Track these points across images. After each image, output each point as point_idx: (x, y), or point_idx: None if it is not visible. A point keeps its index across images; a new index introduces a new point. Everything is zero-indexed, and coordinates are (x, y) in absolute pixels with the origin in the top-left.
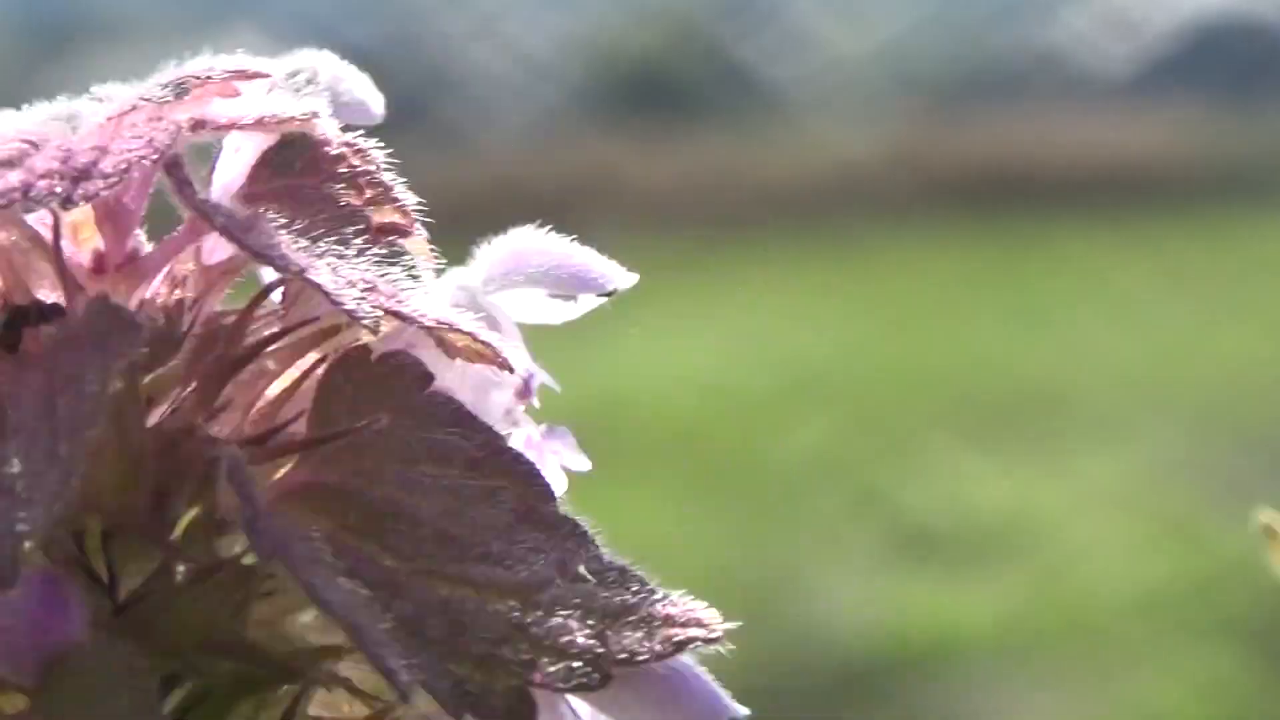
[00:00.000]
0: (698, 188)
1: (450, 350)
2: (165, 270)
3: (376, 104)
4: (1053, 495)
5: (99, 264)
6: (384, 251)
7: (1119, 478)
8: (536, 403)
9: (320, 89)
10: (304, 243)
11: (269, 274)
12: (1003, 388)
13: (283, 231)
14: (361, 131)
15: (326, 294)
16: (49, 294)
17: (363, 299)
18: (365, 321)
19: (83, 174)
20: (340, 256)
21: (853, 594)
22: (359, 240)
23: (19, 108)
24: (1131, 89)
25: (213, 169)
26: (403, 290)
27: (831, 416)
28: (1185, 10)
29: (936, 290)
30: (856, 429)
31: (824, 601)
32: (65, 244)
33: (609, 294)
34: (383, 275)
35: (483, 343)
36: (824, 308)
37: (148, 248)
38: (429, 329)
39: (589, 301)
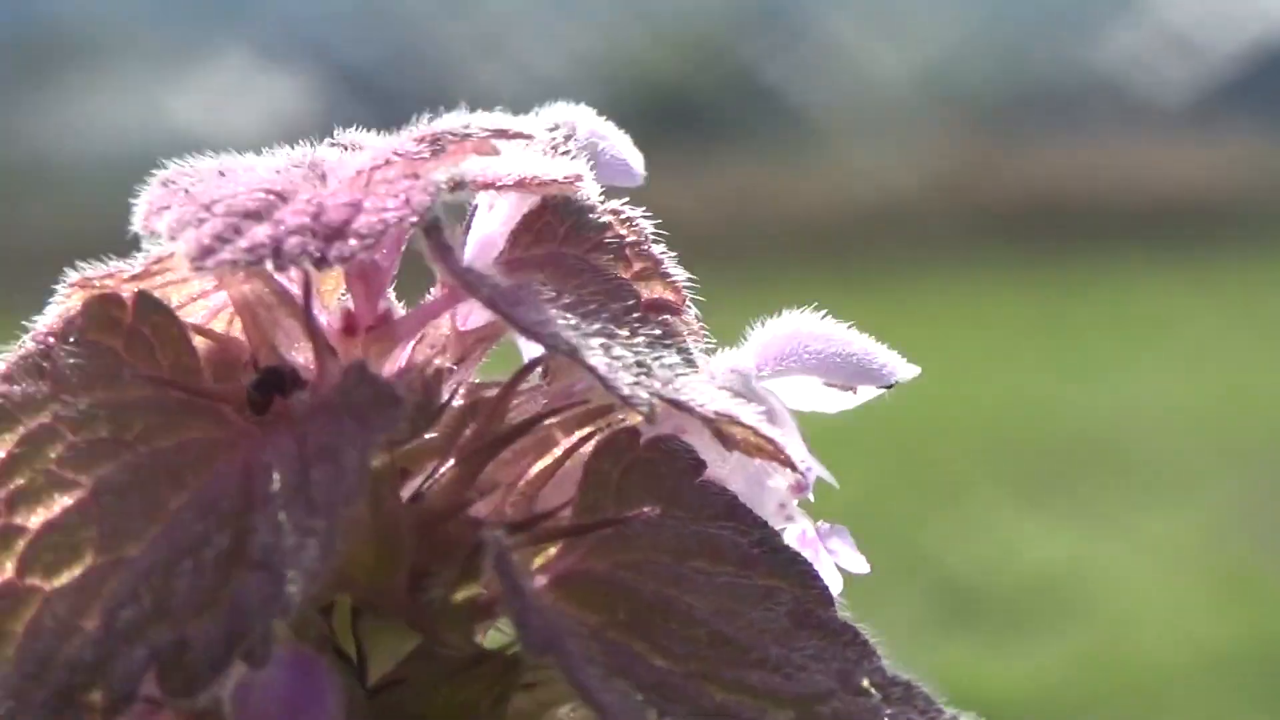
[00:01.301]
0: (723, 218)
1: (728, 442)
2: (420, 334)
3: (638, 164)
4: (1107, 552)
5: (349, 325)
6: (657, 332)
7: (1178, 533)
8: (811, 497)
9: (579, 147)
10: (573, 319)
11: (525, 344)
12: (1053, 436)
13: (551, 305)
14: (626, 199)
15: (600, 378)
16: (295, 354)
17: (638, 384)
18: (642, 410)
19: (337, 233)
20: (612, 335)
21: (893, 657)
22: (630, 318)
23: (6, 129)
24: (1192, 115)
25: (467, 227)
26: (678, 375)
27: (869, 468)
28: (1250, 32)
29: (982, 330)
30: (896, 481)
31: None
32: (313, 301)
33: (890, 386)
34: (656, 358)
35: (765, 437)
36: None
37: (399, 310)
38: (708, 420)
39: (868, 393)
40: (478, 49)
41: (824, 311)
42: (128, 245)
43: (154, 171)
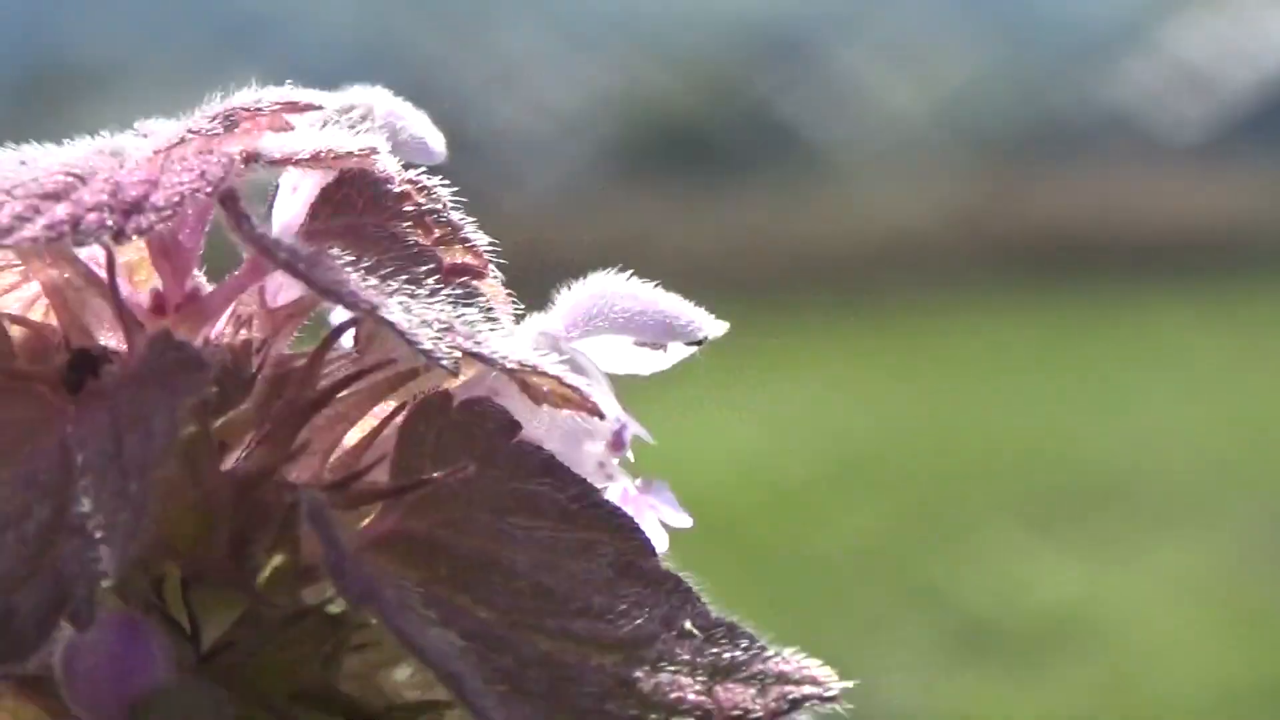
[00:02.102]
0: (737, 254)
1: (535, 395)
2: (228, 311)
3: (436, 142)
4: (1121, 588)
5: (158, 304)
6: (458, 293)
7: (1192, 567)
8: (630, 455)
9: (377, 126)
10: (373, 281)
11: (338, 319)
12: (1067, 471)
13: (350, 269)
14: (423, 169)
15: (400, 333)
16: (107, 334)
17: (439, 339)
18: (444, 363)
19: (134, 207)
20: (412, 296)
21: (904, 695)
22: (431, 280)
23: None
24: (1207, 149)
25: (269, 208)
26: (481, 332)
27: (881, 503)
28: (1264, 67)
29: (996, 365)
30: (909, 516)
31: (873, 703)
32: (121, 284)
33: (698, 342)
34: (459, 316)
35: (569, 387)
36: (874, 384)
37: (208, 288)
38: (511, 372)
39: (678, 351)
40: (492, 84)
41: (842, 346)
42: None
43: None
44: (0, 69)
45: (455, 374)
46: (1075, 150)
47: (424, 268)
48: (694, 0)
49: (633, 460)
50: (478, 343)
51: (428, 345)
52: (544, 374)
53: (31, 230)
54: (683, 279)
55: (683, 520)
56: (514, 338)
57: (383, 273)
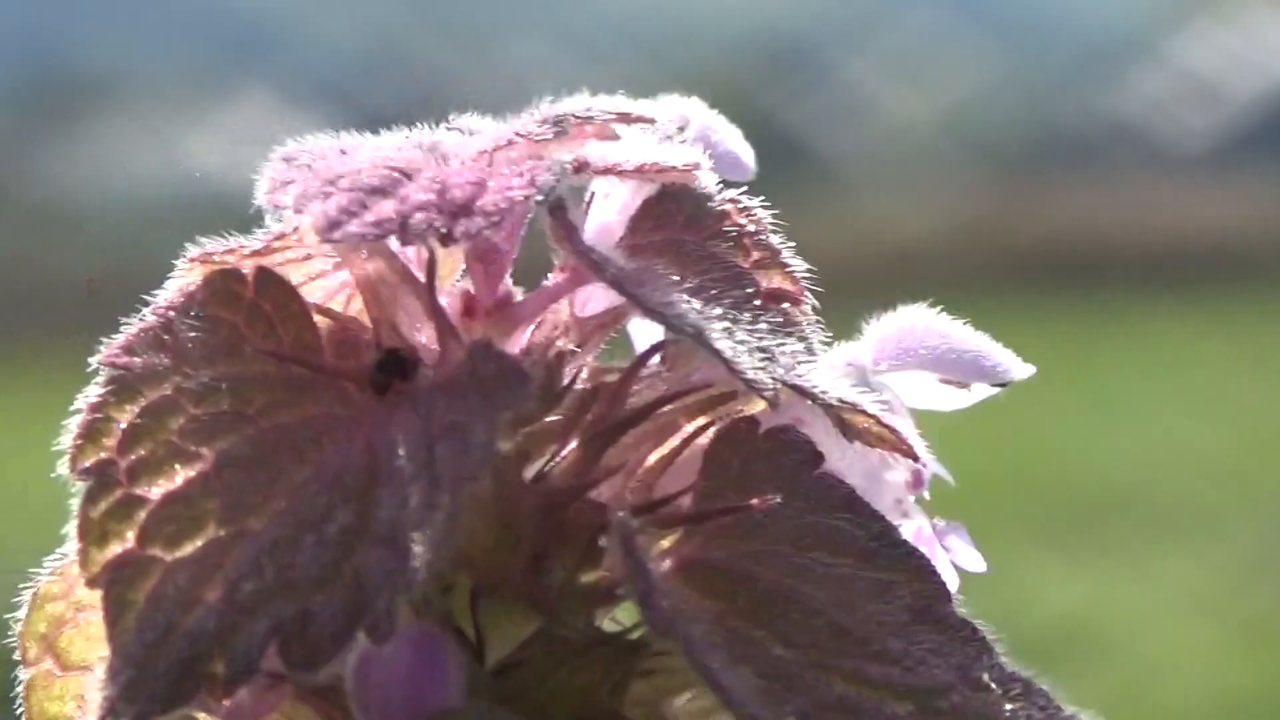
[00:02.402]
0: None
1: (849, 432)
2: (540, 318)
3: (749, 157)
4: (1128, 598)
5: (469, 306)
6: (777, 320)
7: (1200, 579)
8: (927, 494)
9: (692, 138)
10: (697, 303)
11: (640, 332)
12: (1074, 482)
13: (675, 289)
14: (744, 189)
15: (725, 361)
16: (418, 334)
17: (761, 369)
18: (767, 394)
19: (462, 210)
20: (734, 321)
21: None
22: (751, 305)
23: (26, 170)
24: (1213, 160)
25: (584, 214)
26: (800, 363)
27: None
28: (1270, 78)
29: None
30: None
31: None
32: None
33: (1004, 385)
34: (779, 345)
35: (887, 427)
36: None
37: (518, 292)
38: (830, 407)
39: (982, 391)
40: (500, 94)
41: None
42: (154, 284)
43: (164, 211)
44: (5, 77)
45: (776, 406)
46: (1082, 161)
47: (744, 291)
48: (702, 12)
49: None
50: (799, 375)
51: (751, 375)
52: (863, 412)
53: (359, 226)
54: None
55: (978, 563)
56: (824, 367)
57: (705, 296)
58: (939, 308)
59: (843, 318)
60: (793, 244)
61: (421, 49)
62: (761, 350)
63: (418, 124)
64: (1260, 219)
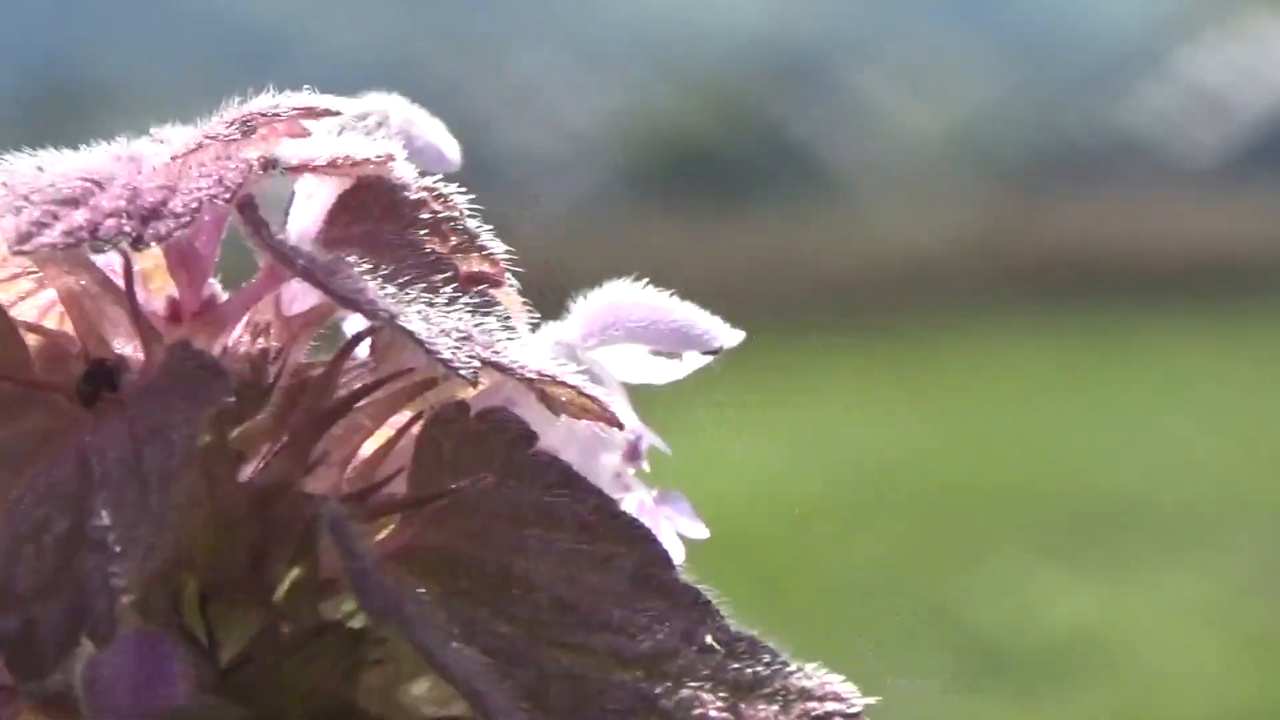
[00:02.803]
0: (751, 277)
1: (553, 405)
2: (245, 319)
3: (452, 150)
4: (1135, 610)
5: (175, 312)
6: (475, 301)
7: (1206, 591)
8: (646, 466)
9: (393, 133)
10: (391, 290)
11: (353, 329)
12: (1081, 494)
13: (368, 278)
14: (440, 176)
15: (419, 342)
16: (124, 343)
17: (458, 349)
18: (463, 373)
19: (152, 213)
20: (430, 305)
21: (919, 716)
22: (448, 289)
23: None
24: (1220, 174)
25: (286, 215)
26: (499, 341)
27: (894, 526)
28: (1276, 93)
29: (1011, 389)
30: (921, 539)
31: None
32: (137, 291)
33: (714, 351)
34: (477, 325)
35: (588, 396)
36: (889, 408)
37: (224, 296)
38: (530, 381)
39: (694, 360)
40: (507, 105)
41: (856, 369)
42: None
43: None
44: (15, 83)
45: (474, 384)
46: (1090, 174)
47: (441, 276)
48: (709, 23)
49: (649, 471)
50: (496, 352)
51: (446, 354)
52: (563, 383)
53: (49, 236)
54: (697, 301)
55: (699, 531)
56: (531, 347)
57: (400, 281)
58: (947, 320)
59: (850, 328)
60: (800, 254)
61: (428, 58)
62: (459, 330)
63: None
64: (1268, 233)
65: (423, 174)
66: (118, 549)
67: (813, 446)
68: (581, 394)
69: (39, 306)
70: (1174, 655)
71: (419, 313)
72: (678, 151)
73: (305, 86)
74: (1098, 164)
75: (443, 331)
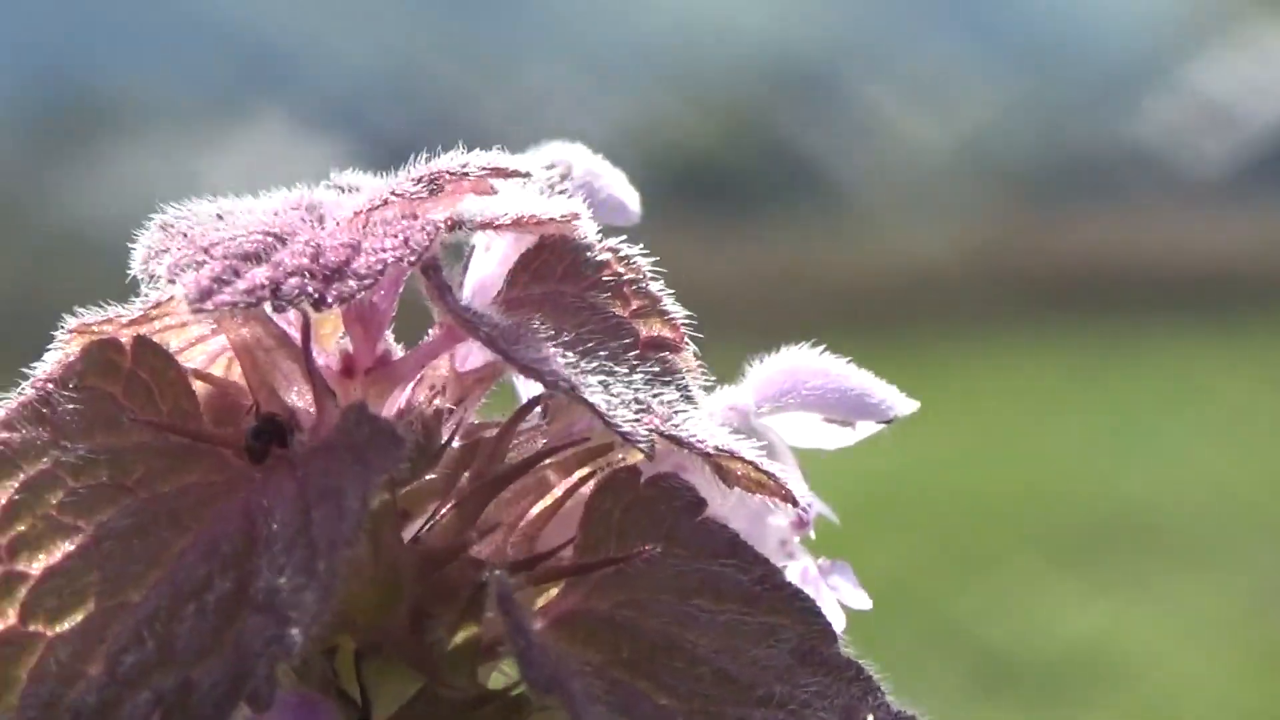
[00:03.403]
0: (759, 288)
1: (728, 479)
2: (419, 376)
3: (634, 203)
4: (1145, 624)
5: (348, 367)
6: (655, 369)
7: (1216, 605)
8: (813, 534)
9: (575, 185)
10: (572, 357)
11: (524, 385)
12: (1092, 508)
13: (550, 344)
14: (624, 237)
15: (600, 415)
16: (296, 397)
17: (637, 421)
18: (642, 446)
19: (336, 273)
20: (611, 373)
21: None
22: (629, 355)
23: (42, 195)
24: (1229, 187)
25: (464, 268)
26: (677, 412)
27: (907, 538)
28: None
29: (1021, 403)
30: (934, 552)
31: None
32: (311, 343)
33: (889, 421)
34: (655, 395)
35: (765, 473)
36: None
37: (397, 351)
38: (707, 455)
39: (867, 429)
40: (515, 119)
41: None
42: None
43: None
44: (21, 100)
45: (652, 457)
46: (1098, 186)
47: (622, 341)
48: (717, 36)
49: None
50: (675, 425)
51: (627, 428)
52: (741, 459)
53: (231, 294)
54: (704, 314)
55: (863, 602)
56: (704, 412)
57: (582, 348)
58: (956, 333)
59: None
60: (808, 266)
61: (437, 72)
62: (638, 401)
63: (433, 147)
64: (1275, 245)
65: (604, 229)
66: (283, 614)
67: (820, 460)
68: (758, 470)
69: (209, 352)
70: (1183, 669)
71: (600, 382)
72: (686, 164)
73: (316, 101)
74: (1105, 176)
75: (623, 403)
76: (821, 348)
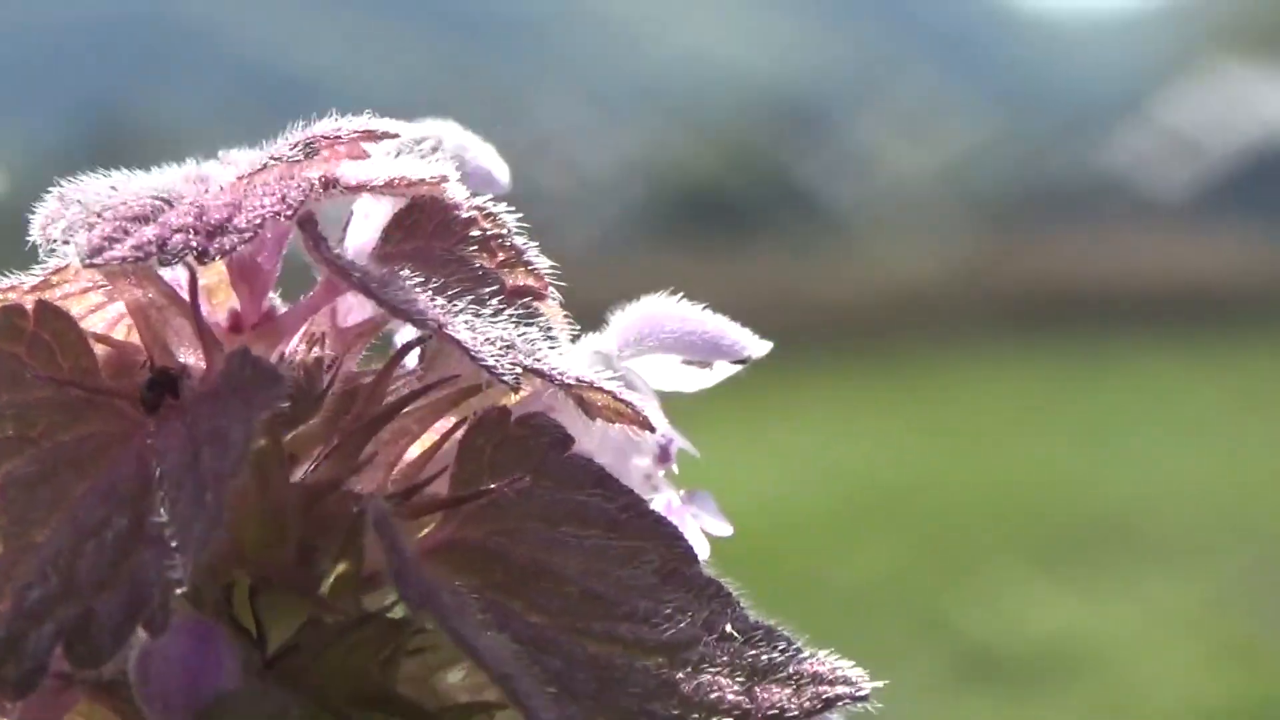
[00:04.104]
0: (757, 306)
1: (590, 410)
2: (302, 330)
3: (502, 173)
4: (1116, 619)
5: (235, 323)
6: (519, 313)
7: (1184, 602)
8: (675, 468)
9: (446, 156)
10: (440, 301)
11: (404, 339)
12: (1067, 511)
13: (419, 290)
14: (490, 197)
15: (465, 350)
16: (187, 353)
17: (502, 356)
18: (506, 379)
19: (217, 229)
20: (477, 315)
21: (915, 717)
22: (494, 301)
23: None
24: (1193, 211)
25: (343, 233)
26: (540, 350)
27: (893, 540)
28: (1245, 136)
29: (1001, 412)
30: (918, 552)
31: None
32: (201, 304)
33: (743, 361)
34: (520, 335)
35: (622, 401)
36: (887, 429)
37: (283, 308)
38: (568, 387)
39: (724, 369)
40: (527, 152)
41: (855, 392)
42: None
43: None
44: (66, 129)
45: (516, 389)
46: (1072, 211)
47: (488, 289)
48: (718, 74)
49: (676, 473)
50: (538, 359)
51: (491, 362)
52: (599, 390)
53: (120, 250)
54: None
55: (724, 528)
56: (570, 356)
57: (449, 293)
58: (939, 347)
59: (849, 355)
60: (802, 285)
61: (454, 105)
62: (503, 339)
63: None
64: (1235, 264)
65: (474, 195)
66: (173, 544)
67: (815, 465)
68: (617, 399)
69: (108, 319)
70: (1153, 661)
71: (466, 323)
72: (688, 193)
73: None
74: (1079, 201)
75: (487, 340)
76: (690, 304)
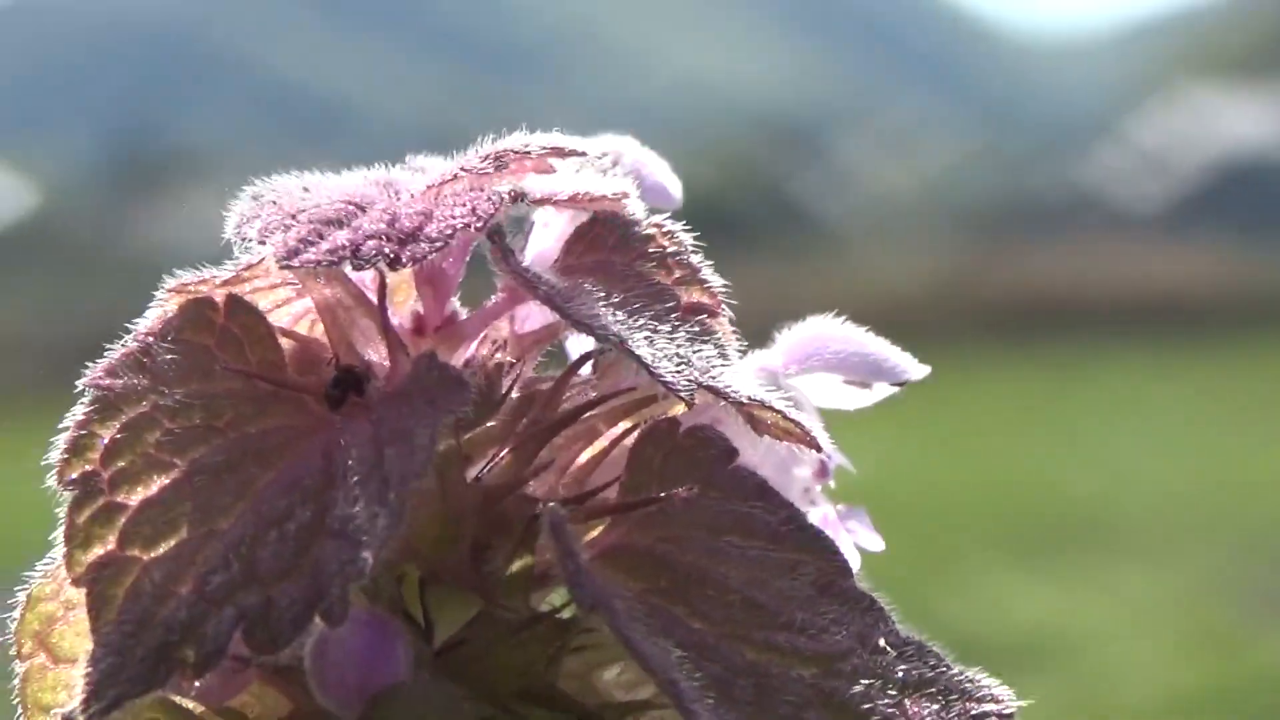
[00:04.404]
0: (750, 315)
1: (758, 426)
2: (482, 335)
3: (676, 189)
4: (1091, 611)
5: (419, 325)
6: (695, 330)
7: (1155, 593)
8: (833, 484)
9: (625, 171)
10: (621, 315)
11: (576, 347)
12: (1046, 508)
13: (601, 304)
14: (667, 215)
15: (645, 365)
16: (372, 352)
17: (679, 373)
18: (682, 394)
19: (409, 237)
20: (655, 331)
21: None
22: (671, 317)
23: (118, 244)
24: (1164, 224)
25: (525, 242)
26: (714, 367)
27: (881, 534)
28: (1213, 152)
29: (982, 416)
30: (904, 547)
31: None
32: (386, 305)
33: (903, 384)
34: (695, 351)
35: (791, 421)
36: (871, 430)
37: (463, 313)
38: (741, 405)
39: (883, 390)
40: None
41: None
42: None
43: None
44: (104, 149)
45: (691, 405)
46: (1049, 224)
47: (665, 305)
48: (714, 95)
49: (834, 488)
50: (713, 377)
51: (669, 378)
52: (770, 408)
53: (315, 254)
54: None
55: (877, 544)
56: (738, 371)
57: (629, 309)
58: (923, 354)
59: None
60: (793, 295)
61: (468, 127)
62: (679, 355)
63: None
64: (1205, 274)
65: (651, 211)
66: (356, 539)
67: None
68: (786, 418)
69: (294, 314)
70: (1125, 649)
71: (645, 338)
72: (686, 205)
73: (365, 151)
74: (1056, 215)
75: (666, 357)
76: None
